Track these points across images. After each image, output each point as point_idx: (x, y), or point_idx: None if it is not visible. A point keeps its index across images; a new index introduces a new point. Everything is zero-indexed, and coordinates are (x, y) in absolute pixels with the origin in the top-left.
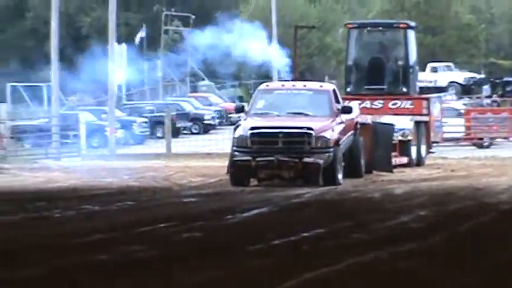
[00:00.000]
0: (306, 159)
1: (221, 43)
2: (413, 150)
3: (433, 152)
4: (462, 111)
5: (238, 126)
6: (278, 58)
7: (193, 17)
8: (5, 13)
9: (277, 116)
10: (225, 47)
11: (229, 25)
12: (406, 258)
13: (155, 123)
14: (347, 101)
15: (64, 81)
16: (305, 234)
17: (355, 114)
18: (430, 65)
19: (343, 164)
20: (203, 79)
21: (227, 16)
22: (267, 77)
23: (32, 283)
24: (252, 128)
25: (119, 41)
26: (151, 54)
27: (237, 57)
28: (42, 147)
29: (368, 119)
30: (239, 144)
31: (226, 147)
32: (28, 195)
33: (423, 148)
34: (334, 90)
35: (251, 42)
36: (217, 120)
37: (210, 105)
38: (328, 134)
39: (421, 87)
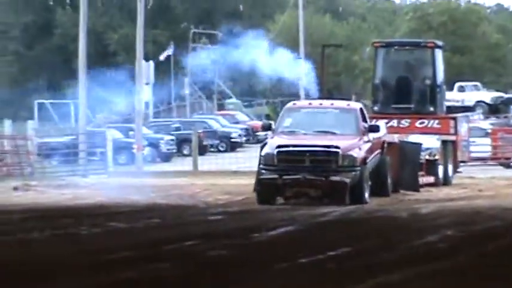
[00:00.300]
0: (333, 178)
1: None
2: (440, 169)
3: (460, 172)
4: (489, 130)
5: (265, 144)
6: (306, 76)
7: (220, 34)
8: (33, 30)
9: (304, 134)
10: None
11: (256, 43)
12: (433, 278)
13: (182, 141)
14: (374, 120)
15: (91, 98)
16: (331, 253)
17: (382, 133)
18: (457, 85)
19: (369, 183)
20: (230, 97)
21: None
22: (294, 95)
23: None
24: (279, 146)
25: (147, 58)
26: (178, 71)
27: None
28: (69, 164)
29: (395, 138)
30: (266, 162)
31: (253, 165)
32: (55, 212)
33: (450, 167)
34: (361, 109)
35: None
36: (244, 138)
37: (237, 123)
38: (355, 153)
39: (448, 107)
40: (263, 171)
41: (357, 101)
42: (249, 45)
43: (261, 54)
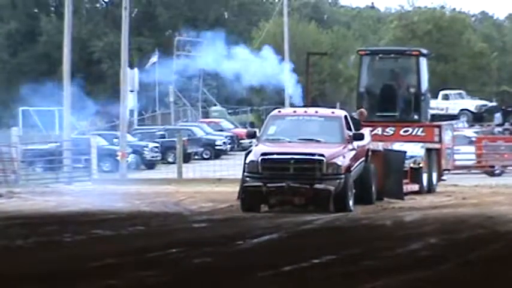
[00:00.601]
0: (317, 186)
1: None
2: (425, 177)
3: (444, 180)
4: (473, 139)
5: (249, 152)
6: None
7: (204, 41)
8: (17, 37)
9: (289, 142)
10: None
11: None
12: (416, 286)
13: (166, 148)
14: None
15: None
16: (315, 260)
17: (367, 141)
18: (441, 93)
19: (354, 190)
20: (215, 104)
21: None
22: (278, 103)
23: None
24: (264, 154)
25: (131, 66)
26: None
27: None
28: (54, 172)
29: (379, 146)
30: (250, 170)
31: (237, 172)
32: (39, 220)
33: (434, 175)
34: (345, 117)
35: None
36: (228, 146)
37: (222, 130)
38: (339, 161)
39: (432, 115)
40: (247, 178)
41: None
42: (232, 52)
43: (245, 60)
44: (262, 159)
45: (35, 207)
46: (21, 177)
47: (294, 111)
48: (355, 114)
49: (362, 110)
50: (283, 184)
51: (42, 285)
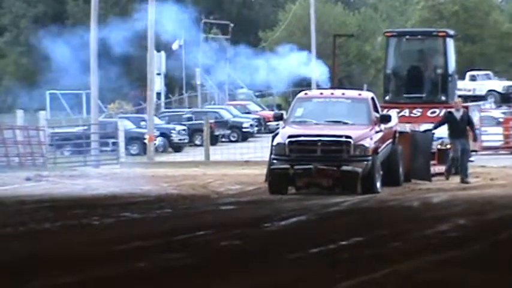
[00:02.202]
0: (344, 168)
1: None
2: None
3: (471, 161)
4: (501, 119)
5: (276, 134)
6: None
7: (232, 25)
8: (44, 21)
9: (316, 124)
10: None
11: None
12: (444, 267)
13: (194, 131)
14: (386, 110)
15: (103, 89)
16: (343, 242)
17: (394, 122)
18: (469, 74)
19: (381, 172)
20: (242, 87)
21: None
22: (305, 85)
23: None
24: (290, 136)
25: (158, 49)
26: (190, 61)
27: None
28: (81, 155)
29: (407, 127)
30: (277, 152)
31: (265, 155)
32: (67, 203)
33: None
34: (372, 99)
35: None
36: (255, 128)
37: (249, 113)
38: (366, 142)
39: (459, 96)
40: (274, 161)
41: (369, 91)
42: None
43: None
44: (289, 142)
45: (63, 190)
46: (49, 160)
47: (321, 93)
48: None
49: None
50: (311, 166)
51: (70, 267)
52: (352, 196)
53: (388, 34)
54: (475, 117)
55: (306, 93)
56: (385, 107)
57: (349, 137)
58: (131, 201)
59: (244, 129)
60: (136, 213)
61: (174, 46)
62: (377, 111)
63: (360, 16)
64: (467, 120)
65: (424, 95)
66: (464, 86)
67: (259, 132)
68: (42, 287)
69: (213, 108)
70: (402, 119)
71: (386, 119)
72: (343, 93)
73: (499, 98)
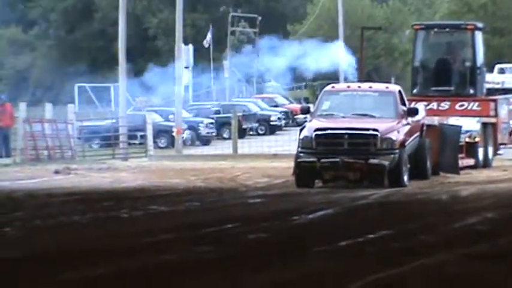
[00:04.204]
0: (371, 161)
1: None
2: (480, 152)
3: (500, 154)
4: None
5: (304, 127)
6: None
7: (259, 18)
8: (73, 14)
9: (343, 117)
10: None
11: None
12: (473, 260)
13: (221, 124)
14: (413, 103)
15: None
16: (371, 235)
17: (421, 115)
18: (497, 66)
19: (408, 165)
20: (269, 80)
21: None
22: (333, 78)
23: (99, 283)
24: (317, 129)
25: (186, 42)
26: (218, 55)
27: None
28: (110, 148)
29: (435, 120)
30: (304, 145)
31: (292, 148)
32: (95, 196)
33: (490, 150)
34: (400, 92)
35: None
36: (283, 121)
37: (276, 106)
38: (393, 136)
39: (488, 89)
40: (301, 154)
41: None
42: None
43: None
44: (316, 135)
45: (91, 183)
46: (77, 153)
47: (348, 86)
48: None
49: None
50: (337, 159)
51: (99, 260)
52: (380, 189)
53: (416, 27)
54: (504, 110)
55: (333, 87)
56: (413, 100)
57: (376, 130)
58: (159, 194)
59: (272, 123)
60: (164, 206)
61: (205, 43)
62: (404, 105)
63: (388, 9)
64: None
65: (452, 88)
66: (492, 78)
67: (286, 125)
68: (72, 279)
69: (240, 101)
70: (430, 112)
71: (413, 112)
72: (370, 87)
73: None
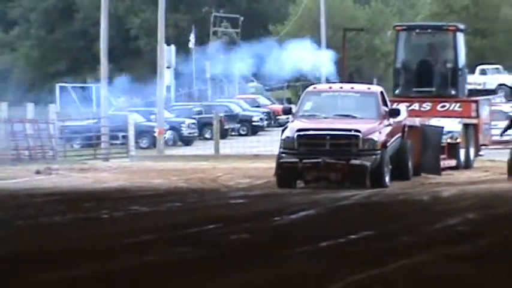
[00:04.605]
0: (353, 162)
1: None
2: (462, 152)
3: (481, 155)
4: (511, 113)
5: (285, 128)
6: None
7: (241, 18)
8: (54, 14)
9: (325, 118)
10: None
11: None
12: (454, 261)
13: (203, 125)
14: (395, 103)
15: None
16: (352, 236)
17: (403, 116)
18: (479, 68)
19: (390, 166)
20: (252, 80)
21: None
22: (315, 79)
23: (80, 284)
24: (299, 130)
25: (168, 42)
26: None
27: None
28: (91, 148)
29: (416, 121)
30: (286, 146)
31: (274, 148)
32: (77, 196)
33: (472, 151)
34: (381, 93)
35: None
36: (265, 122)
37: (258, 106)
38: (375, 136)
39: (470, 90)
40: (283, 154)
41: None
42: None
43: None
44: (298, 135)
45: (72, 183)
46: (59, 153)
47: (330, 87)
48: None
49: None
50: (319, 160)
51: (79, 261)
52: (361, 190)
53: (398, 28)
54: (485, 111)
55: (315, 87)
56: (395, 101)
57: (358, 131)
58: (141, 194)
59: (254, 123)
60: (146, 206)
61: (191, 43)
62: (386, 105)
63: (370, 10)
64: None
65: (434, 89)
66: (474, 80)
67: (269, 125)
68: (52, 280)
69: (222, 101)
70: (412, 113)
71: (395, 113)
72: (352, 87)
73: (510, 92)
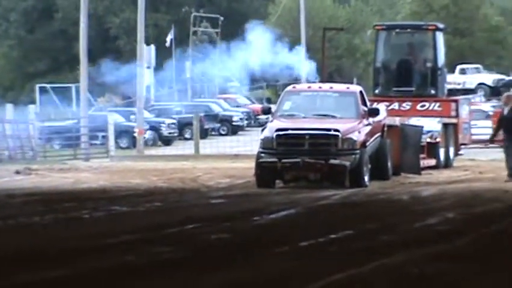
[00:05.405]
0: (332, 161)
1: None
2: (442, 152)
3: (461, 154)
4: (491, 113)
5: (265, 128)
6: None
7: (221, 18)
8: (34, 14)
9: (304, 117)
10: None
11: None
12: (433, 260)
13: (183, 125)
14: (375, 103)
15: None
16: (332, 235)
17: (383, 116)
18: (458, 67)
19: (369, 166)
20: (231, 80)
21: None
22: (295, 78)
23: (60, 284)
24: (278, 130)
25: (148, 42)
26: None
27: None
28: (71, 148)
29: (396, 121)
30: (265, 145)
31: (254, 148)
32: (56, 196)
33: (451, 150)
34: (361, 92)
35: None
36: (245, 122)
37: (238, 106)
38: (354, 136)
39: (449, 89)
40: (262, 154)
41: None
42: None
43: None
44: (277, 135)
45: (52, 183)
46: (38, 154)
47: (309, 87)
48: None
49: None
50: (298, 160)
51: (59, 261)
52: (341, 190)
53: (377, 27)
54: (465, 110)
55: (294, 87)
56: (375, 101)
57: (337, 131)
58: (121, 194)
59: (234, 123)
60: (126, 206)
61: (167, 43)
62: (365, 105)
63: (350, 9)
64: None
65: (413, 89)
66: (454, 79)
67: (249, 125)
68: (31, 281)
69: (202, 101)
70: (392, 113)
71: (374, 112)
72: (331, 87)
73: (489, 92)
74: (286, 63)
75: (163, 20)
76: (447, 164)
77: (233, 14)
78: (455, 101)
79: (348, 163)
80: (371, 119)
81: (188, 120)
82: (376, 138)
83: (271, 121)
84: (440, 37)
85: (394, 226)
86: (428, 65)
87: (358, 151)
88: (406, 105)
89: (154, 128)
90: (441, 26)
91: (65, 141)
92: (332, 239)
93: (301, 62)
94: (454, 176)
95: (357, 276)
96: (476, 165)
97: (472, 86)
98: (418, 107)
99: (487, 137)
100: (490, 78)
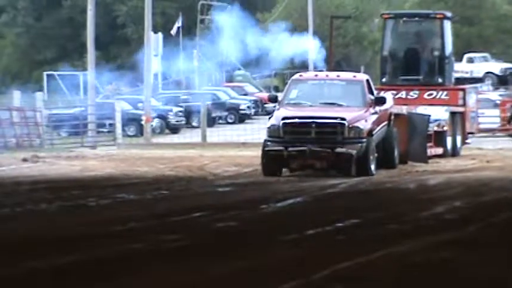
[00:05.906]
0: (339, 150)
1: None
2: (449, 141)
3: (468, 143)
4: (498, 102)
5: (271, 116)
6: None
7: (229, 6)
8: (42, 1)
9: (310, 106)
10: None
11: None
12: (440, 249)
13: (191, 113)
14: (382, 92)
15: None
16: (339, 224)
17: (389, 104)
18: (466, 56)
19: (376, 154)
20: (239, 68)
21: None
22: (302, 67)
23: (67, 271)
24: (285, 118)
25: (155, 30)
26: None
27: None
28: (78, 136)
29: (403, 109)
30: (271, 134)
31: (262, 136)
32: (64, 184)
33: (458, 139)
34: (367, 81)
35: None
36: (252, 110)
37: (246, 94)
38: (361, 124)
39: (457, 78)
40: (268, 143)
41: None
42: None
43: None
44: (283, 123)
45: (59, 171)
46: (46, 141)
47: (316, 75)
48: None
49: None
50: (305, 148)
51: (66, 248)
52: (348, 178)
53: (385, 16)
54: (472, 99)
55: (300, 75)
56: (382, 89)
57: (344, 119)
58: (128, 182)
59: (241, 111)
60: (133, 194)
61: (173, 31)
62: (372, 93)
63: None
64: None
65: (420, 77)
66: (461, 68)
67: (256, 114)
68: (39, 268)
69: (210, 89)
70: (399, 101)
71: (381, 101)
72: (338, 75)
73: (497, 80)
74: (300, 50)
75: (170, 8)
76: (454, 153)
77: (240, 2)
78: (463, 90)
79: (354, 151)
80: (378, 108)
81: (195, 108)
82: (383, 126)
83: (278, 109)
84: (448, 25)
85: (401, 215)
86: (436, 53)
87: (364, 140)
88: (414, 94)
89: (162, 116)
90: (449, 14)
91: (72, 129)
92: (339, 228)
93: (311, 50)
94: (461, 164)
95: (363, 264)
96: (484, 154)
97: (480, 75)
98: (426, 96)
99: (495, 126)
100: (497, 67)
